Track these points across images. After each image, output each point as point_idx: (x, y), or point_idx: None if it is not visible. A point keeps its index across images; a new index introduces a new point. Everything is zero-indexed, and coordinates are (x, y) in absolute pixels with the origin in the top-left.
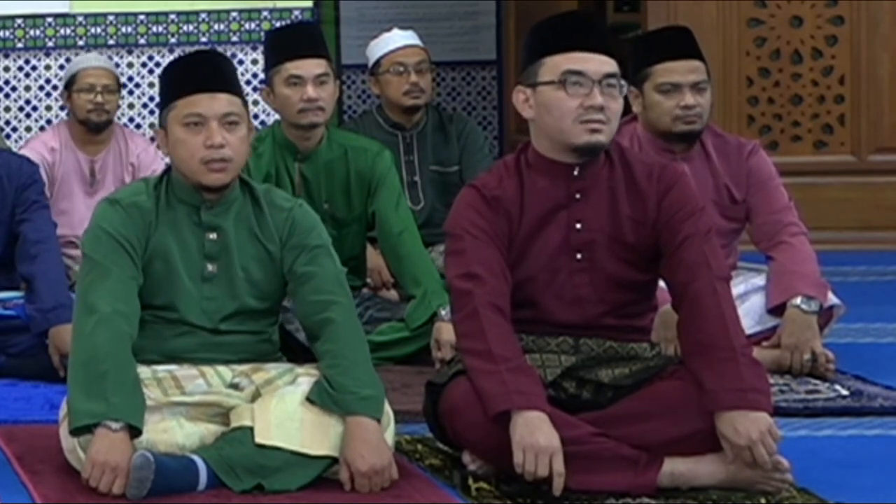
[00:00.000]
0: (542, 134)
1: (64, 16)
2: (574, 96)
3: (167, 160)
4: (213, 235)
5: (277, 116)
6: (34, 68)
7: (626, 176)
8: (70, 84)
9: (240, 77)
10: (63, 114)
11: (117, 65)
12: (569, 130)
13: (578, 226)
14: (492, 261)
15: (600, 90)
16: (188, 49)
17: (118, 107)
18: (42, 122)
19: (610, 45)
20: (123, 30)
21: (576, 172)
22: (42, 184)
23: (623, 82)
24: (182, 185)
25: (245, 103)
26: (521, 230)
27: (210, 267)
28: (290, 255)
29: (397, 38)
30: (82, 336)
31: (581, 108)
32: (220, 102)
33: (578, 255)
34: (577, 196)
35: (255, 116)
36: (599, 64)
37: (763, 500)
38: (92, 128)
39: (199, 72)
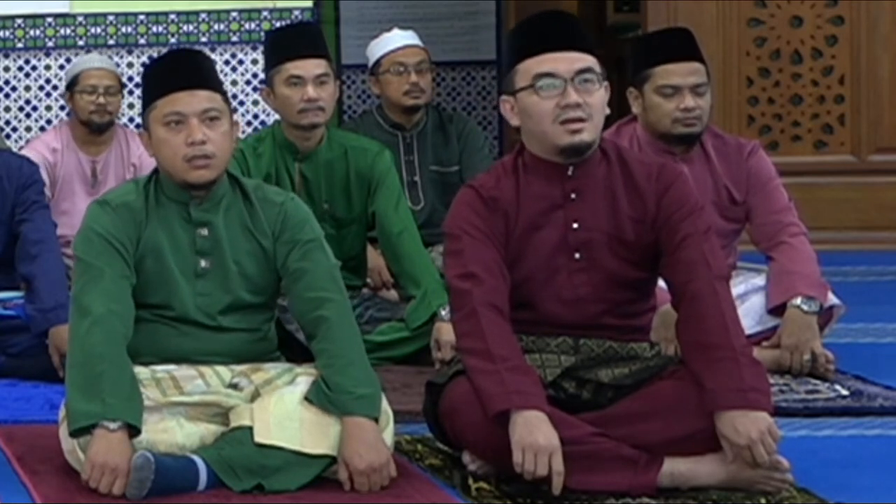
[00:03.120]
0: (530, 138)
1: (64, 16)
2: (548, 98)
3: None
4: (203, 231)
5: (277, 116)
6: (34, 68)
7: (624, 175)
8: (72, 85)
9: (240, 77)
10: (63, 114)
11: (117, 65)
12: (550, 133)
13: (575, 225)
14: (490, 261)
15: (574, 87)
16: None
17: (120, 107)
18: (42, 122)
19: (581, 41)
20: (123, 30)
21: (570, 172)
22: (42, 184)
23: (600, 74)
24: (169, 183)
25: (226, 98)
26: (518, 230)
27: (203, 263)
28: (282, 250)
29: (397, 38)
30: (77, 338)
31: (558, 109)
32: (199, 99)
33: (577, 255)
34: (573, 196)
35: (255, 116)
36: (570, 62)
37: (763, 500)
38: (94, 129)
39: (176, 70)
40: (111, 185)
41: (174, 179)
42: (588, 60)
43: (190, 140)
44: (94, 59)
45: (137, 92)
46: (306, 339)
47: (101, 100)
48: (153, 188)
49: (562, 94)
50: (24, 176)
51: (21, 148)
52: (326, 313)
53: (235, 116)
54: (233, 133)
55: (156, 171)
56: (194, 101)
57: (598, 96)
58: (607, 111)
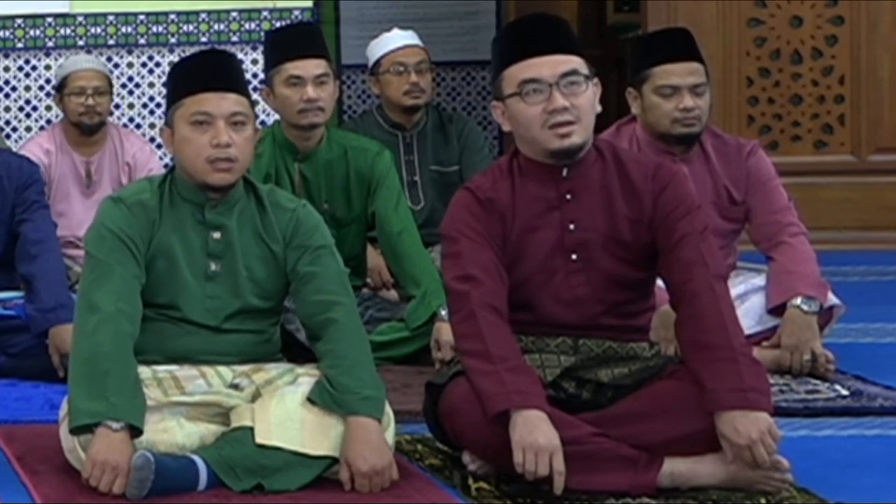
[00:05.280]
0: (522, 142)
1: (64, 16)
2: (535, 104)
3: (166, 159)
4: (216, 234)
5: (277, 116)
6: (34, 68)
7: (621, 175)
8: (61, 87)
9: None
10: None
11: (117, 65)
12: (540, 138)
13: (572, 226)
14: (488, 262)
15: (560, 91)
16: (188, 49)
17: (111, 108)
18: (42, 122)
19: (566, 43)
20: (123, 30)
21: (564, 173)
22: (42, 183)
23: (587, 74)
24: (186, 183)
25: (252, 104)
26: (514, 232)
27: (213, 265)
28: (293, 256)
29: (397, 38)
30: (84, 335)
31: (545, 114)
32: (229, 102)
33: (574, 256)
34: (568, 197)
35: (255, 116)
36: (554, 65)
37: (763, 500)
38: (85, 130)
39: (208, 70)
40: (106, 185)
41: (193, 180)
42: (573, 62)
43: (215, 142)
44: (83, 61)
45: (137, 92)
46: (311, 341)
47: (90, 101)
48: (168, 188)
49: (548, 98)
50: (24, 175)
51: (19, 149)
52: (335, 316)
53: None
54: (255, 139)
55: (171, 171)
56: (224, 103)
57: (586, 97)
58: (599, 109)
